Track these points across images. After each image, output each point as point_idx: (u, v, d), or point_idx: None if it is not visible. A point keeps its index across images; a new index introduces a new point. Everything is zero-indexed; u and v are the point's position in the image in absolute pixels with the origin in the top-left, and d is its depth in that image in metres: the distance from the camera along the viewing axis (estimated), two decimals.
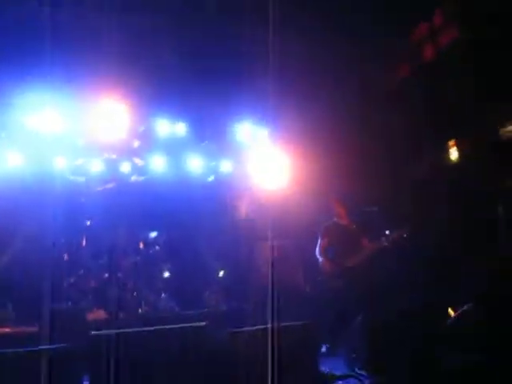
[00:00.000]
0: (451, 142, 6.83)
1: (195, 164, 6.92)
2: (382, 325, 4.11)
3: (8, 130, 5.52)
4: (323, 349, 5.09)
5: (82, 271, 6.02)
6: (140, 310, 6.10)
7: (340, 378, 4.77)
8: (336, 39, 6.24)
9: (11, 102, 5.23)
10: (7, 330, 5.11)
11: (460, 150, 6.74)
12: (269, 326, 4.46)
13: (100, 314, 5.83)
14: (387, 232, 4.94)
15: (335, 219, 5.46)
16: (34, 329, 5.08)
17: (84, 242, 6.21)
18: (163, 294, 6.35)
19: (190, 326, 4.64)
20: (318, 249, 5.37)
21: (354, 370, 4.72)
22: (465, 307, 4.24)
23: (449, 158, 6.97)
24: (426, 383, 4.06)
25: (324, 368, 4.82)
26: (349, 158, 6.48)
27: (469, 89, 6.04)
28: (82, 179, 6.42)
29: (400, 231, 5.04)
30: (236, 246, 6.38)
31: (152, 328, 4.64)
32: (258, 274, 5.96)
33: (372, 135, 6.64)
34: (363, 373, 4.60)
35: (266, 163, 6.84)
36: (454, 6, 6.50)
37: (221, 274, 6.75)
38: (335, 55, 6.43)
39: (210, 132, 6.86)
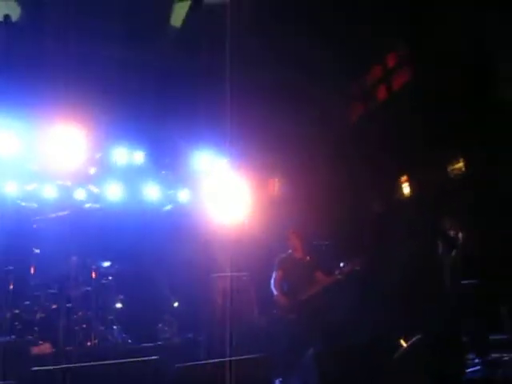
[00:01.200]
0: (403, 179, 7.07)
1: (152, 193, 6.85)
2: (333, 357, 4.12)
3: None
4: (276, 383, 5.03)
5: (28, 302, 5.76)
6: (90, 343, 5.86)
7: None
8: (294, 73, 6.40)
9: None
10: None
11: (410, 187, 6.98)
12: (223, 359, 4.38)
13: (46, 348, 5.57)
14: (341, 265, 5.00)
15: (290, 251, 5.49)
16: None
17: (32, 271, 5.96)
18: (115, 326, 6.14)
19: (143, 360, 4.49)
20: (272, 281, 5.37)
21: None
22: (414, 339, 4.31)
23: (402, 194, 7.19)
24: None
25: None
26: (306, 190, 6.58)
27: (418, 129, 6.29)
28: (34, 205, 6.22)
29: (353, 264, 5.10)
30: (191, 278, 6.29)
31: (101, 362, 4.45)
32: (213, 307, 5.87)
33: (329, 169, 6.78)
34: None
35: (223, 192, 6.85)
36: (405, 49, 6.83)
37: (175, 305, 6.61)
38: (294, 88, 6.59)
39: (168, 161, 6.84)
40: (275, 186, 6.58)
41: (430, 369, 4.15)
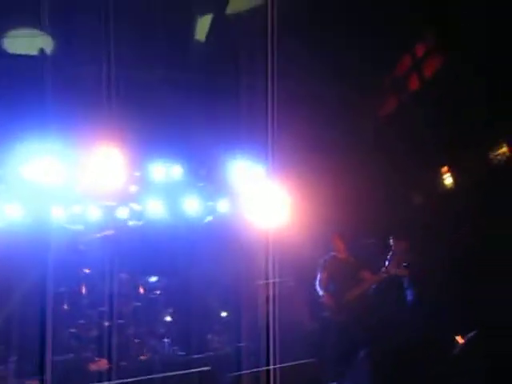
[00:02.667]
0: (444, 169, 6.89)
1: (192, 205, 6.93)
2: (386, 358, 4.04)
3: (6, 181, 5.58)
4: None
5: (82, 320, 5.94)
6: (143, 357, 5.98)
7: None
8: (330, 75, 6.37)
9: (9, 152, 5.31)
10: None
11: (454, 176, 6.79)
12: (275, 366, 4.37)
13: (102, 364, 5.72)
14: (387, 263, 4.92)
15: (334, 253, 5.45)
16: (35, 382, 4.99)
17: (84, 291, 6.14)
18: (166, 339, 6.25)
19: (197, 371, 4.55)
20: (318, 283, 5.34)
21: None
22: (471, 335, 4.18)
23: (447, 185, 7.00)
24: None
25: None
26: (347, 189, 6.49)
27: (458, 114, 6.13)
28: (79, 227, 6.41)
29: (399, 260, 5.01)
30: (237, 287, 6.32)
31: (157, 375, 4.54)
32: (261, 314, 5.88)
33: (370, 165, 6.67)
34: None
35: (263, 200, 6.85)
36: (435, 37, 6.68)
37: (223, 315, 6.65)
38: (330, 89, 6.56)
39: (205, 172, 6.91)
40: (314, 187, 6.52)
41: (488, 364, 4.02)
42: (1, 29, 6.04)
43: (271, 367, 4.16)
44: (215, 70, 6.41)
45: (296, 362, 4.27)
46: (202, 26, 6.74)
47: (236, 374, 4.24)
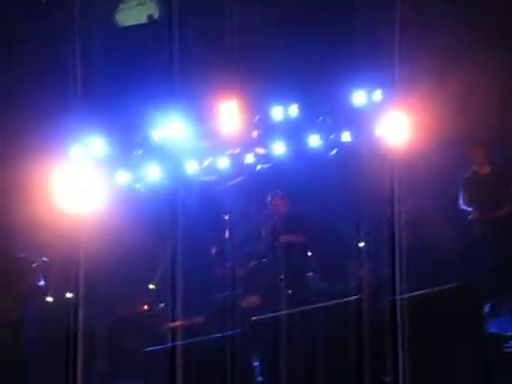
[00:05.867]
0: None
1: (314, 141, 6.92)
2: None
3: (143, 146, 6.05)
4: (486, 309, 4.83)
5: (231, 261, 6.40)
6: (291, 291, 6.32)
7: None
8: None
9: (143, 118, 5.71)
10: (178, 323, 5.63)
11: None
12: (421, 292, 4.36)
13: (255, 300, 6.16)
14: None
15: (475, 168, 5.11)
16: (201, 319, 5.55)
17: (227, 235, 6.57)
18: (310, 273, 6.51)
19: (345, 301, 4.71)
20: (461, 201, 5.07)
21: None
22: None
23: None
24: None
25: (492, 329, 4.57)
26: (480, 96, 5.97)
27: None
28: (213, 178, 6.78)
29: None
30: (372, 211, 6.29)
31: (310, 307, 4.79)
32: (400, 240, 5.83)
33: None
34: None
35: (387, 124, 6.60)
36: None
37: (361, 245, 6.71)
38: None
39: (323, 106, 6.81)
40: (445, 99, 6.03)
41: None
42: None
43: (425, 291, 4.15)
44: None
45: (451, 285, 4.21)
46: None
47: (391, 299, 4.31)
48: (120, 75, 5.94)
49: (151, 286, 6.77)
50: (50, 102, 5.37)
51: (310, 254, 6.71)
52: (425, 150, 6.33)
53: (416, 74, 5.74)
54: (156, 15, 6.29)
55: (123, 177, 6.54)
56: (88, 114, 5.68)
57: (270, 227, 6.59)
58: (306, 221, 6.69)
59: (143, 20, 6.52)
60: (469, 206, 4.96)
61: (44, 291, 6.28)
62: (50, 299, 6.38)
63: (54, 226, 5.86)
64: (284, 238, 6.26)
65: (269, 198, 6.34)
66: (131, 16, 6.43)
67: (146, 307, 6.79)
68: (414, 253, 5.37)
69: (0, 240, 5.97)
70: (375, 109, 6.59)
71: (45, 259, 6.06)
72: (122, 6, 6.48)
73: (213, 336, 5.39)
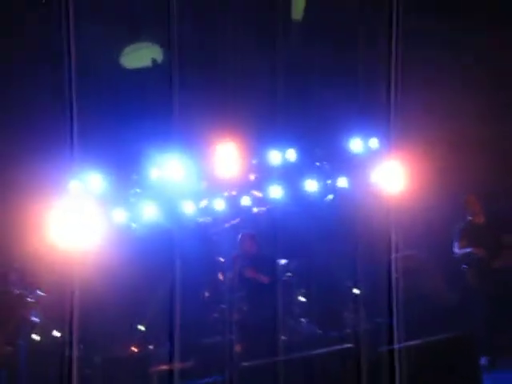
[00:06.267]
0: None
1: (311, 186, 6.97)
2: None
3: (141, 185, 6.09)
4: (483, 361, 4.70)
5: (223, 305, 6.30)
6: (284, 337, 6.19)
7: None
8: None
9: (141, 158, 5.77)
10: (166, 367, 5.49)
11: None
12: (418, 341, 4.29)
13: (246, 346, 6.03)
14: None
15: (470, 218, 5.12)
16: (190, 364, 5.42)
17: (221, 277, 6.51)
18: (303, 319, 6.41)
19: (342, 349, 4.62)
20: (456, 251, 5.05)
21: None
22: None
23: None
24: None
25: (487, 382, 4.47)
26: (474, 152, 6.09)
27: None
28: (209, 219, 6.80)
29: None
30: (368, 261, 6.27)
31: (301, 354, 4.69)
32: (397, 288, 5.78)
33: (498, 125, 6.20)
34: None
35: (383, 172, 6.68)
36: None
37: (356, 292, 6.64)
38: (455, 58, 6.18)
39: (321, 151, 6.91)
40: (440, 154, 6.18)
41: None
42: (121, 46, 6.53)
43: (420, 341, 4.08)
44: (315, 49, 6.35)
45: (445, 336, 4.14)
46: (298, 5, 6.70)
47: (383, 349, 4.23)
48: (120, 114, 6.06)
49: (141, 327, 6.65)
50: (48, 137, 5.45)
51: (304, 300, 6.63)
52: (420, 198, 6.37)
53: (412, 125, 5.85)
54: (159, 59, 6.48)
55: (120, 215, 6.55)
56: (87, 150, 5.74)
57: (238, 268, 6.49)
58: (301, 266, 6.65)
59: (148, 63, 6.71)
60: (463, 254, 4.95)
61: (36, 328, 6.17)
62: (38, 338, 6.26)
63: (48, 262, 5.82)
64: (249, 274, 6.12)
65: (239, 237, 6.27)
66: (136, 59, 6.61)
67: (134, 349, 6.65)
68: (410, 301, 5.31)
69: None
70: (372, 156, 6.69)
71: (39, 293, 5.97)
72: (127, 50, 6.69)
73: (201, 382, 5.26)
